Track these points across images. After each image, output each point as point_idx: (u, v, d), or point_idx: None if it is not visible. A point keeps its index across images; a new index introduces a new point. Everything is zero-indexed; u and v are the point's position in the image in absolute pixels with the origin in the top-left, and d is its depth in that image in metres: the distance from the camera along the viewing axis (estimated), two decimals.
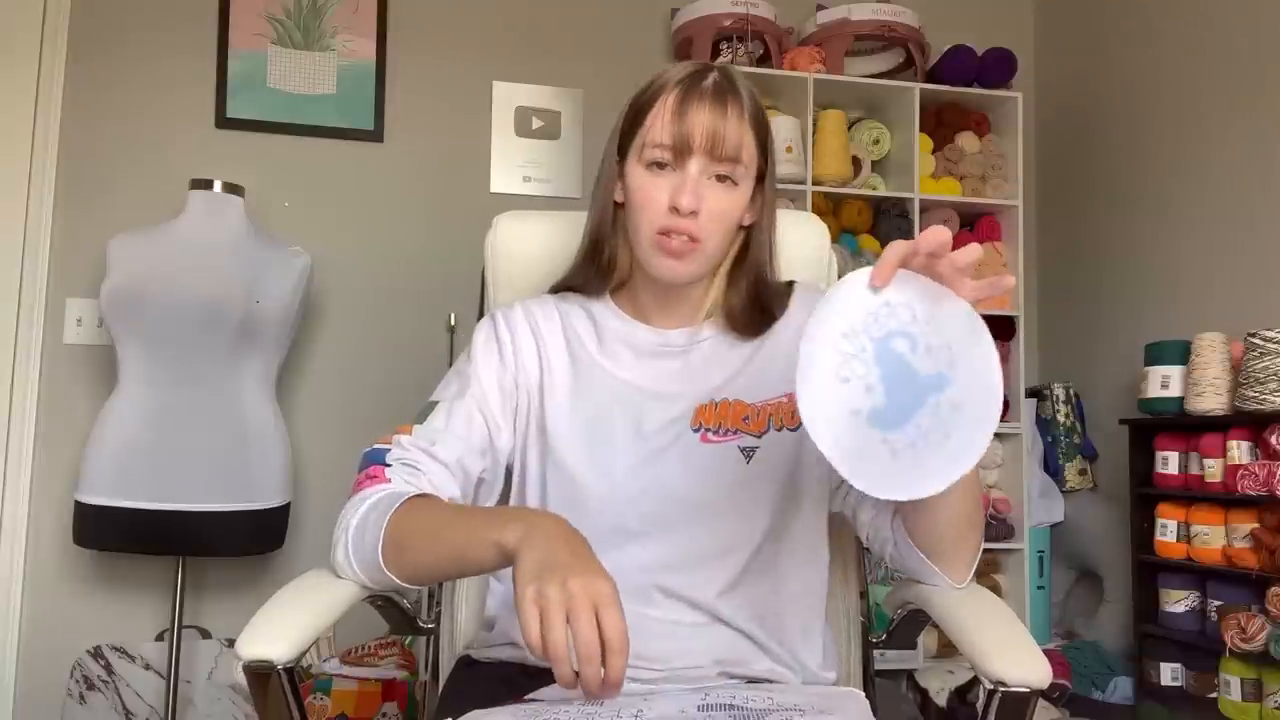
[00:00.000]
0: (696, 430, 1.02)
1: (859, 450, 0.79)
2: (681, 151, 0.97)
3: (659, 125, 0.98)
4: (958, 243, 0.80)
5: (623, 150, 1.03)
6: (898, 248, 0.80)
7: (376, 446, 1.02)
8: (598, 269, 1.09)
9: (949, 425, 0.80)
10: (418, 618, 1.19)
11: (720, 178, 0.98)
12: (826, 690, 0.92)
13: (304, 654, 0.89)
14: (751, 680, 1.00)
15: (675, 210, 0.97)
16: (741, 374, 1.05)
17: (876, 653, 1.24)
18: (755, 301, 1.08)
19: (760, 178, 1.03)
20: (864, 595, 1.25)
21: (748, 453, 1.00)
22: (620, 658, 0.74)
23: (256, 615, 0.89)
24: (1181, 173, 2.67)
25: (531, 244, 1.29)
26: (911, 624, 1.16)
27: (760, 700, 0.82)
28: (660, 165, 0.98)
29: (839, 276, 1.69)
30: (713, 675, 0.99)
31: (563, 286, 1.13)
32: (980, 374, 0.80)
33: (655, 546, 1.00)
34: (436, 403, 1.06)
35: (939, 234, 0.79)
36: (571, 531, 0.83)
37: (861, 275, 0.82)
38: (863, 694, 0.89)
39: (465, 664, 1.11)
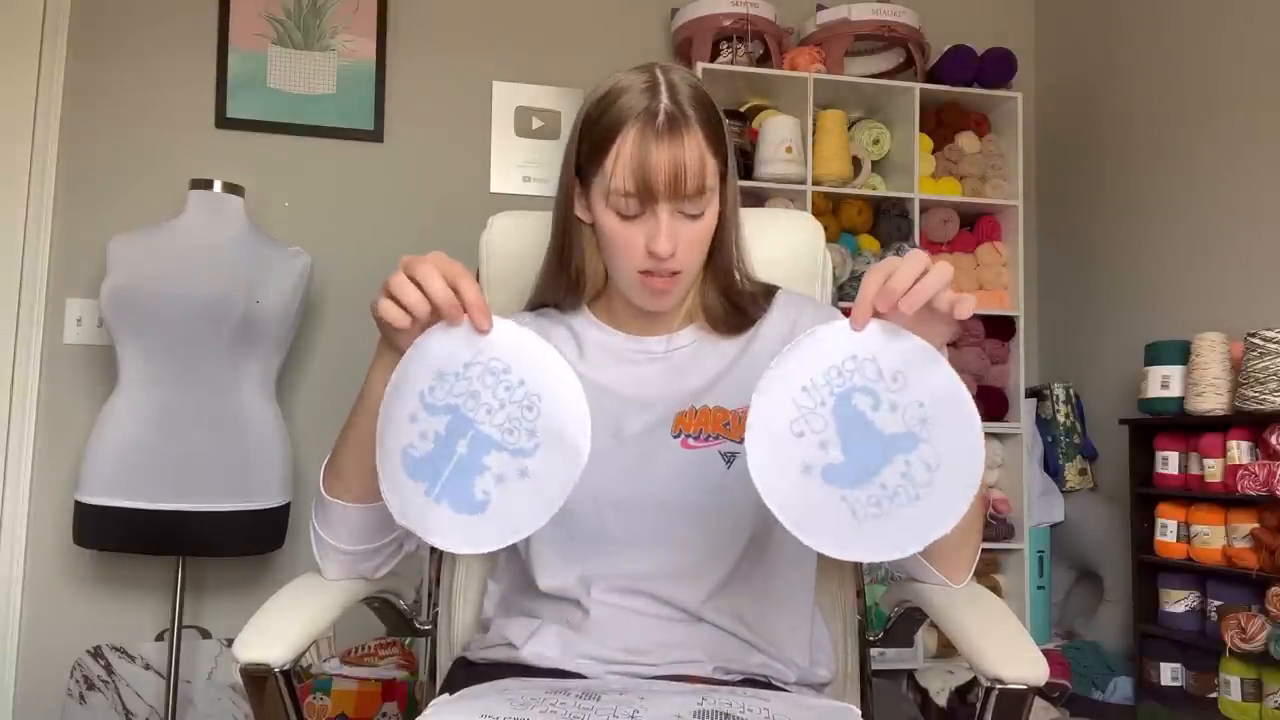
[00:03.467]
0: (676, 436, 1.01)
1: (810, 507, 0.78)
2: (646, 198, 0.95)
3: (619, 171, 0.95)
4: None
5: (581, 173, 1.02)
6: (871, 287, 0.78)
7: None
8: (569, 283, 1.08)
9: (920, 485, 0.78)
10: (415, 619, 1.19)
11: (690, 216, 0.97)
12: (824, 706, 0.91)
13: (301, 656, 0.89)
14: (746, 676, 1.00)
15: (653, 254, 0.96)
16: (722, 380, 1.05)
17: (875, 652, 1.24)
18: (729, 296, 1.08)
19: (721, 179, 1.02)
20: (861, 594, 1.25)
21: (728, 458, 0.99)
22: (481, 309, 0.82)
23: (253, 618, 0.90)
24: (1181, 172, 2.66)
25: (526, 244, 1.28)
26: (908, 622, 1.16)
27: (757, 713, 0.82)
28: (629, 217, 0.97)
29: (834, 276, 1.70)
30: (708, 671, 0.99)
31: (538, 304, 1.13)
32: (958, 435, 0.79)
33: (640, 553, 1.00)
34: None
35: (912, 267, 0.78)
36: None
37: (829, 330, 0.81)
38: (859, 712, 0.89)
39: (461, 665, 1.10)
